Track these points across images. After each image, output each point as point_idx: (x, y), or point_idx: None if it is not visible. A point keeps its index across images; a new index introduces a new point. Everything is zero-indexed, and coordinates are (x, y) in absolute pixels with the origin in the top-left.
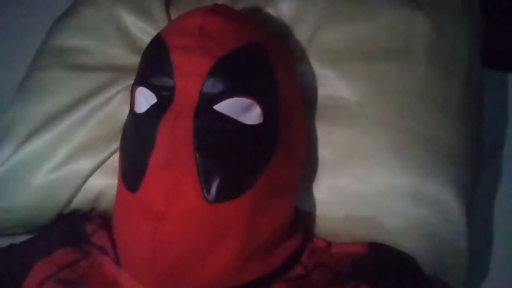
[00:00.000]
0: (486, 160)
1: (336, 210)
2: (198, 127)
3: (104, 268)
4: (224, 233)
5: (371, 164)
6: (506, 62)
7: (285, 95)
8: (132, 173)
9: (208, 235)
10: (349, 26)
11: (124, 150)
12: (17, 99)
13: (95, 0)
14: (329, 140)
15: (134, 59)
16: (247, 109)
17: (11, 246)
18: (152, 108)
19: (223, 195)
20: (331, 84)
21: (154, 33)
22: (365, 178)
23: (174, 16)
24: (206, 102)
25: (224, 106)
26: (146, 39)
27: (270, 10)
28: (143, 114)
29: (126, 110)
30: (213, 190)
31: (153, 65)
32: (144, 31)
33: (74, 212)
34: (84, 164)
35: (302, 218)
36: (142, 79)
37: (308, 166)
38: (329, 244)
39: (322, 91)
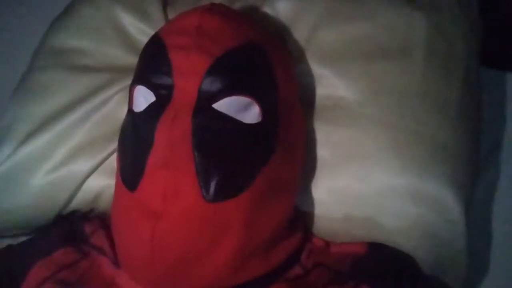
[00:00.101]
0: (485, 159)
1: (336, 210)
2: (197, 126)
3: (103, 269)
4: (223, 232)
5: (370, 164)
6: (505, 62)
7: (284, 94)
8: (130, 172)
9: (207, 234)
10: (348, 25)
11: (123, 149)
12: (16, 99)
13: (93, 1)
14: (328, 140)
15: (132, 60)
16: (245, 107)
17: (10, 246)
18: (151, 106)
19: (222, 194)
20: (330, 84)
21: (152, 33)
22: (364, 178)
23: (171, 16)
24: (204, 101)
25: (222, 105)
26: (144, 39)
27: (267, 9)
28: (141, 113)
29: (125, 110)
30: (212, 189)
31: (152, 64)
32: (142, 31)
33: (73, 212)
34: (82, 165)
35: (301, 218)
36: (141, 78)
37: (307, 166)
38: (328, 244)
39: (321, 91)
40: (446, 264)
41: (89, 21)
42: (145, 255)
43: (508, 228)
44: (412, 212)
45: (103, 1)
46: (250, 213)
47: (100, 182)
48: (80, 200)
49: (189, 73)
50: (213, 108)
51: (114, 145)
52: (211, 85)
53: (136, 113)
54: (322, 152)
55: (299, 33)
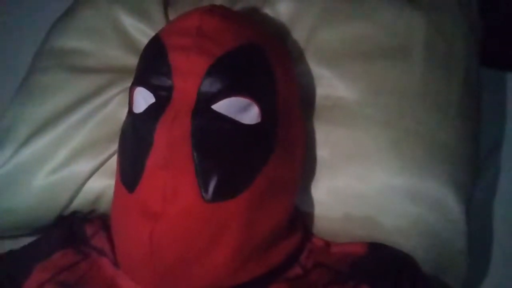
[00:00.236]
0: (485, 159)
1: (335, 210)
2: (196, 127)
3: (103, 270)
4: (222, 233)
5: (370, 163)
6: (505, 62)
7: (283, 94)
8: (130, 173)
9: (206, 234)
10: (347, 25)
11: (122, 150)
12: (17, 100)
13: (94, 2)
14: (328, 140)
15: (132, 61)
16: (245, 108)
17: (11, 251)
18: (150, 108)
19: (221, 195)
20: (330, 84)
21: (152, 34)
22: (364, 178)
23: (172, 17)
24: (204, 102)
25: (222, 106)
26: (144, 40)
27: (267, 10)
28: (141, 114)
29: (125, 111)
30: (211, 189)
31: (151, 65)
32: (142, 32)
33: (74, 213)
34: (83, 166)
35: (301, 218)
36: (140, 79)
37: (306, 166)
38: (328, 244)
39: (321, 91)
40: (446, 263)
41: (90, 22)
42: (144, 256)
43: (508, 228)
44: (412, 212)
45: (103, 2)
46: (249, 213)
47: (101, 183)
48: (81, 201)
49: (188, 74)
50: (212, 109)
51: (115, 146)
52: (210, 86)
53: (136, 114)
54: (322, 152)
55: (299, 34)
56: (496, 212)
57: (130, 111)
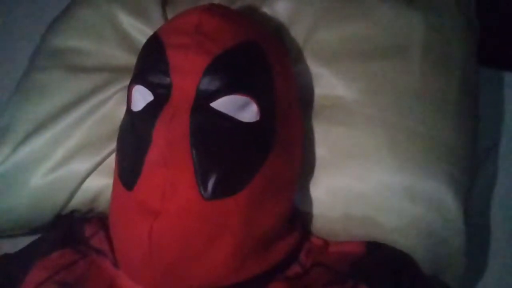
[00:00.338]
0: (484, 158)
1: (334, 209)
2: (195, 125)
3: (103, 270)
4: (221, 231)
5: (368, 163)
6: (502, 61)
7: (282, 93)
8: (128, 171)
9: (205, 232)
10: (346, 25)
11: (121, 148)
12: (15, 99)
13: (92, 1)
14: (326, 139)
15: (131, 59)
16: (243, 106)
17: (6, 254)
18: (149, 106)
19: (220, 192)
20: (328, 84)
21: (151, 33)
22: (363, 177)
23: (170, 16)
24: (202, 100)
25: (220, 104)
26: (143, 39)
27: (266, 10)
28: (139, 112)
29: (123, 110)
30: (210, 187)
31: (150, 63)
32: (141, 32)
33: (72, 213)
34: (81, 165)
35: (300, 217)
36: (139, 77)
37: (305, 165)
38: (326, 243)
39: (319, 91)
40: (444, 263)
41: (88, 21)
42: (143, 254)
43: (506, 228)
44: (410, 211)
45: (102, 1)
46: (248, 211)
47: (99, 182)
48: (79, 200)
49: (187, 72)
50: (211, 107)
51: (113, 145)
52: (209, 84)
53: (134, 112)
54: (321, 151)
55: (298, 33)
56: (494, 211)
57: (128, 109)
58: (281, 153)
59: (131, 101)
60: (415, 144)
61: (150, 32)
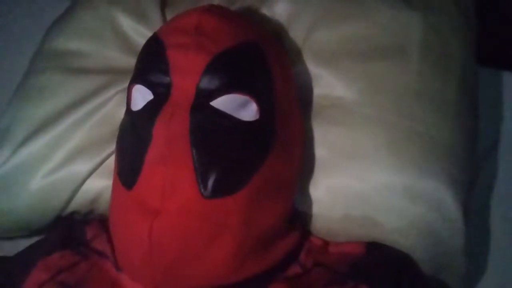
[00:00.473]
0: (483, 158)
1: (334, 209)
2: (195, 123)
3: (104, 272)
4: (220, 230)
5: (368, 163)
6: (501, 60)
7: (281, 92)
8: (128, 170)
9: (205, 231)
10: (344, 25)
11: (120, 148)
12: (15, 101)
13: (92, 3)
14: (326, 140)
15: (130, 61)
16: (243, 105)
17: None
18: (149, 105)
19: (220, 191)
20: (327, 84)
21: (150, 35)
22: (362, 177)
23: (169, 18)
24: (202, 98)
25: (220, 102)
26: (142, 41)
27: (265, 11)
28: (139, 111)
29: (123, 112)
30: (210, 185)
31: (150, 63)
32: (140, 33)
33: (73, 214)
34: (81, 166)
35: (300, 217)
36: (139, 76)
37: (305, 165)
38: (326, 243)
39: (318, 91)
40: (444, 263)
41: (88, 23)
42: (143, 254)
43: (506, 227)
44: (410, 211)
45: (101, 3)
46: (248, 210)
47: (99, 184)
48: (80, 202)
49: (187, 71)
50: (211, 106)
51: (113, 146)
52: (209, 83)
53: (134, 111)
54: (320, 151)
55: (297, 34)
56: (494, 211)
57: (128, 109)
58: (280, 153)
59: (131, 100)
60: (415, 144)
61: (149, 34)
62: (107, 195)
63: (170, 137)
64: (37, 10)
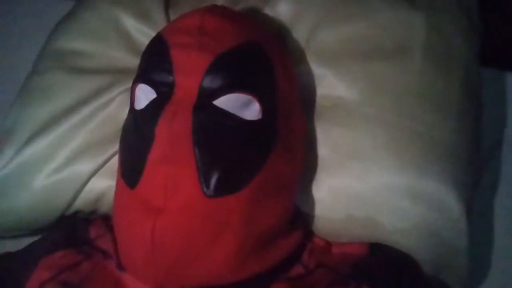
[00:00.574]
0: (486, 158)
1: (336, 209)
2: (197, 122)
3: (108, 271)
4: (223, 228)
5: (369, 163)
6: (504, 61)
7: (284, 92)
8: (131, 169)
9: (207, 230)
10: (347, 26)
11: (124, 147)
12: (19, 101)
13: (95, 4)
14: (328, 140)
15: (134, 61)
16: (246, 105)
17: (9, 253)
18: (152, 104)
19: (222, 190)
20: (330, 84)
21: (154, 35)
22: (364, 178)
23: (173, 18)
24: (205, 98)
25: (223, 102)
26: (146, 42)
27: (268, 11)
28: (142, 110)
29: (127, 112)
30: (212, 184)
31: (153, 62)
32: (143, 34)
33: (76, 213)
34: (84, 166)
35: (302, 218)
36: (142, 76)
37: (307, 165)
38: (329, 244)
39: (321, 91)
40: (446, 263)
41: (91, 24)
42: (146, 253)
43: (509, 228)
44: (412, 211)
45: (105, 4)
46: (250, 209)
47: (103, 184)
48: (83, 201)
49: (190, 71)
50: (213, 105)
51: (117, 146)
52: (211, 82)
53: (137, 110)
54: (322, 151)
55: (299, 34)
56: (497, 212)
57: (132, 108)
58: (283, 152)
59: (134, 99)
60: (416, 144)
61: (153, 35)
62: (111, 195)
63: (173, 136)
64: (37, 10)
